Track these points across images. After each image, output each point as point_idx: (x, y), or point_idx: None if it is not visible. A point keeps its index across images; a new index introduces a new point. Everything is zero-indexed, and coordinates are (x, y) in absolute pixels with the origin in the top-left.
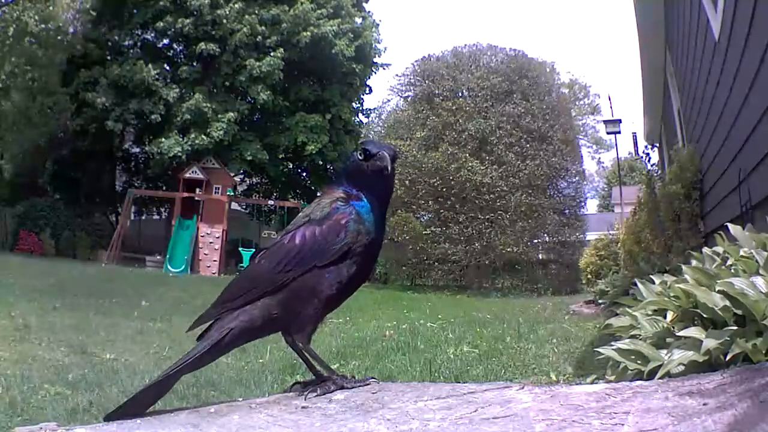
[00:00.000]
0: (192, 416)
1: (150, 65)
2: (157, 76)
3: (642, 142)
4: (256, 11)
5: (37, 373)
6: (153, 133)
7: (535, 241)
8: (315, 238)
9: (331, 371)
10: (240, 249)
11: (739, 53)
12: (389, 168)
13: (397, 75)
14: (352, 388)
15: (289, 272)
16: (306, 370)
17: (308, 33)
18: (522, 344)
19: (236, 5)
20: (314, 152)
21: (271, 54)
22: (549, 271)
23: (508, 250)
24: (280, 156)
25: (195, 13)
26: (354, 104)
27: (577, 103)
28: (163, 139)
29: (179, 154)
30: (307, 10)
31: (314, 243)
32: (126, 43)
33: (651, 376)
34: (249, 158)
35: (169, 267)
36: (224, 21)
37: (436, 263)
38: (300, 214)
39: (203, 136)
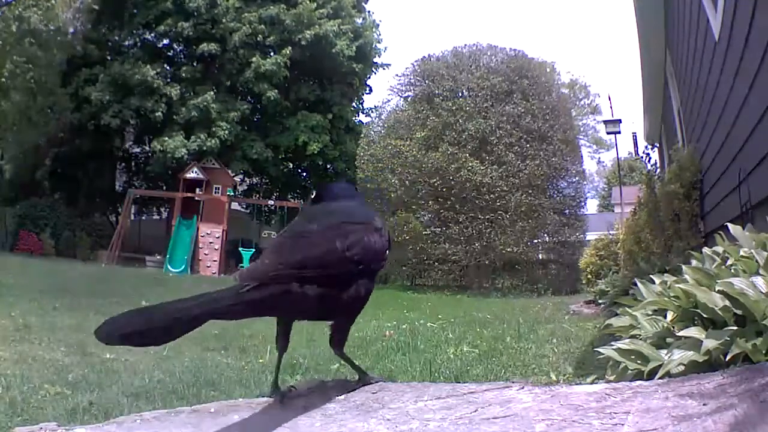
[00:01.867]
0: (192, 416)
1: (149, 65)
2: (157, 75)
3: (642, 142)
4: (255, 10)
5: (37, 373)
6: (154, 132)
7: (535, 241)
8: (382, 241)
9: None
10: (240, 249)
11: (739, 53)
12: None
13: (397, 75)
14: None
15: (358, 263)
16: (306, 370)
17: (311, 32)
18: (522, 344)
19: (235, 4)
20: (315, 152)
21: (278, 53)
22: (549, 271)
23: (508, 250)
24: (281, 156)
25: (194, 13)
26: (354, 104)
27: (577, 103)
28: (167, 138)
29: (184, 155)
30: (309, 9)
31: (381, 246)
32: (126, 43)
33: (651, 376)
34: (254, 157)
35: (169, 267)
36: (223, 20)
37: (436, 263)
38: (344, 210)
39: (210, 139)
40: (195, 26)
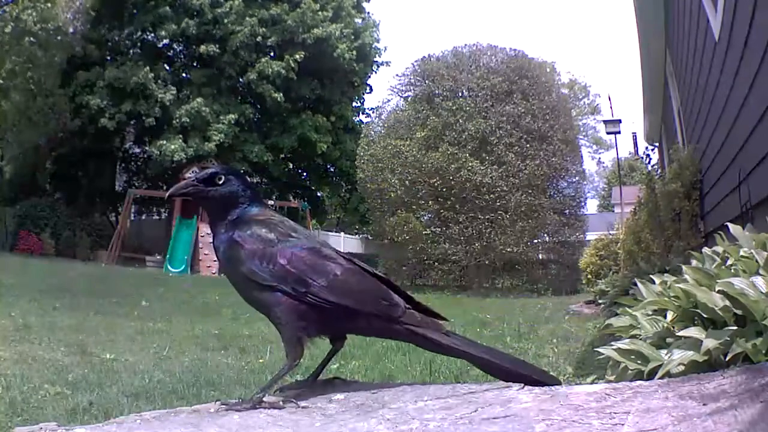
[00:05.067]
0: (192, 416)
1: (147, 68)
2: (153, 78)
3: (642, 142)
4: (256, 11)
5: (37, 373)
6: (152, 134)
7: (535, 241)
8: None
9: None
10: None
11: (739, 53)
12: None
13: (397, 75)
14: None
15: None
16: (306, 370)
17: (314, 33)
18: (522, 344)
19: (237, 4)
20: (324, 150)
21: (279, 54)
22: (549, 271)
23: (508, 250)
24: (282, 156)
25: (196, 13)
26: (355, 103)
27: (577, 103)
28: (164, 142)
29: (183, 159)
30: (312, 9)
31: None
32: (126, 43)
33: (651, 376)
34: (254, 160)
35: (169, 267)
36: (225, 21)
37: (436, 263)
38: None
39: (206, 143)
40: (197, 26)
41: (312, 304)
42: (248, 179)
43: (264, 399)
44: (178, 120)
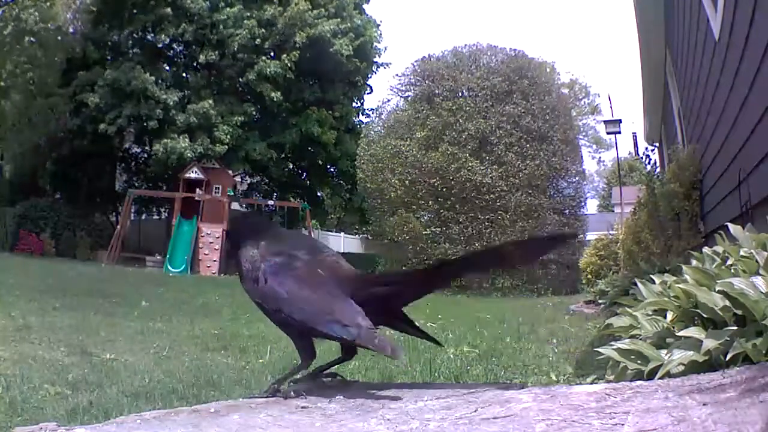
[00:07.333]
0: (192, 416)
1: (146, 69)
2: (155, 81)
3: (642, 143)
4: (253, 13)
5: (37, 373)
6: (153, 135)
7: None
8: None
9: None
10: None
11: (739, 53)
12: None
13: (397, 75)
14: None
15: None
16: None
17: (305, 33)
18: (522, 344)
19: (234, 10)
20: (330, 143)
21: (278, 55)
22: (549, 271)
23: None
24: (282, 156)
25: (194, 17)
26: (355, 104)
27: (577, 103)
28: (169, 141)
29: (189, 158)
30: (303, 10)
31: None
32: (127, 43)
33: (651, 376)
34: (257, 157)
35: (169, 267)
36: (225, 25)
37: None
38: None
39: (215, 145)
40: (194, 32)
41: (287, 322)
42: (248, 222)
43: (280, 388)
44: (182, 121)
